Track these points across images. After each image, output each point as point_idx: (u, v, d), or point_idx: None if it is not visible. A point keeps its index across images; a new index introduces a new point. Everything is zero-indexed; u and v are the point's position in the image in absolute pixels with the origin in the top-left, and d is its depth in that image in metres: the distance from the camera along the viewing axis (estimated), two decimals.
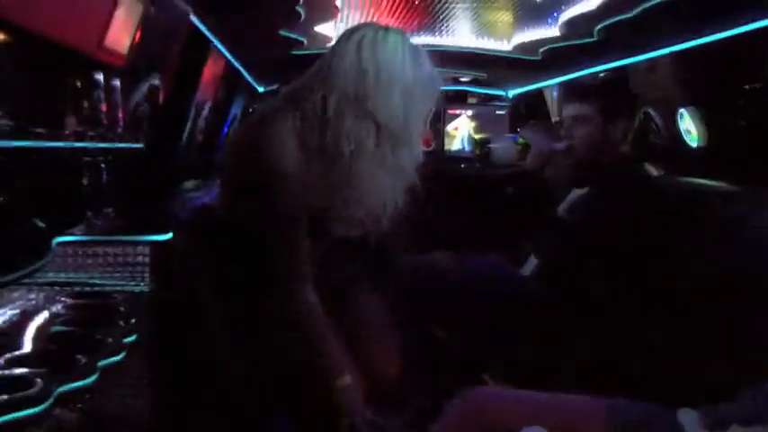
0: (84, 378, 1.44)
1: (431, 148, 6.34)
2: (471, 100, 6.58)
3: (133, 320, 1.80)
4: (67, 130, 1.80)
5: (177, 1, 2.38)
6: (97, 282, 2.12)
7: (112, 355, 1.57)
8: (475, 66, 5.49)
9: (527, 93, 6.02)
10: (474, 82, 6.24)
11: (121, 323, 1.75)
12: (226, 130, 5.01)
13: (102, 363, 1.52)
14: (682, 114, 3.51)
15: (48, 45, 1.72)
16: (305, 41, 4.13)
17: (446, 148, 6.41)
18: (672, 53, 3.34)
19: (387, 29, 2.20)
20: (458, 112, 6.42)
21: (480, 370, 2.77)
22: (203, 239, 2.56)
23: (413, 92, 2.17)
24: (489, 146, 2.60)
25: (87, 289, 2.10)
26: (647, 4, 2.81)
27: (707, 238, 2.60)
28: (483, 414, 1.92)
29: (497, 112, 6.41)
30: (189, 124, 3.55)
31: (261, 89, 6.16)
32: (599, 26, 3.33)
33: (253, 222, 2.15)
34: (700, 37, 3.04)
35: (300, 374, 2.42)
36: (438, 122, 6.37)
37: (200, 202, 2.83)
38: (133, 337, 1.71)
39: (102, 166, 2.05)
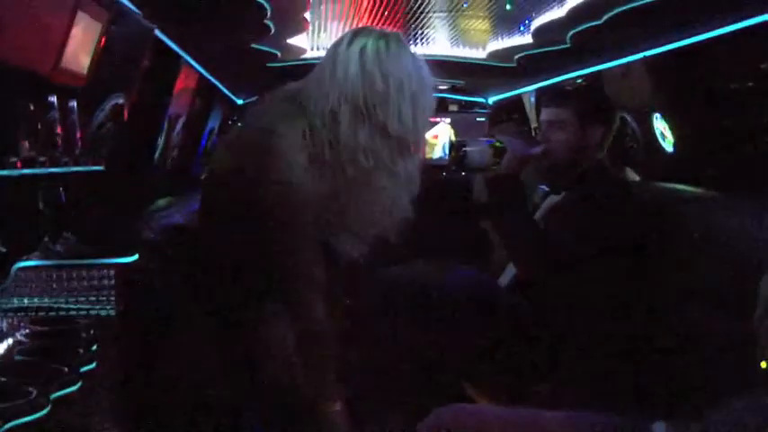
0: (34, 412, 1.41)
1: None
2: (452, 107, 6.54)
3: (94, 347, 1.76)
4: (21, 155, 1.77)
5: (140, 18, 2.34)
6: (63, 306, 2.07)
7: (67, 386, 1.53)
8: (452, 73, 5.48)
9: (506, 99, 6.01)
10: (452, 89, 6.22)
11: (81, 351, 1.71)
12: (203, 143, 4.96)
13: (54, 395, 1.48)
14: (656, 119, 3.50)
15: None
16: (279, 54, 4.11)
17: (427, 156, 6.38)
18: (644, 58, 3.34)
19: (386, 35, 2.14)
20: (437, 119, 6.40)
21: (460, 381, 2.74)
22: (182, 257, 2.55)
23: (418, 98, 2.12)
24: (464, 149, 2.55)
25: (53, 314, 2.05)
26: (616, 11, 2.80)
27: (682, 244, 2.58)
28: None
29: (477, 118, 6.40)
30: (161, 140, 3.52)
31: (240, 101, 6.13)
32: (570, 32, 3.32)
33: (263, 232, 2.10)
34: (670, 42, 3.04)
35: (293, 392, 2.40)
36: None
37: (170, 221, 2.79)
38: (93, 365, 1.67)
39: (61, 189, 2.01)
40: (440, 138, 6.40)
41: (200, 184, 2.43)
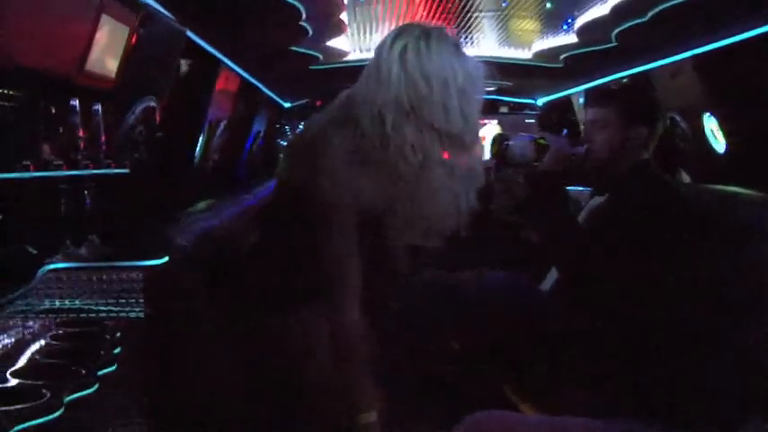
0: (47, 414, 1.40)
1: None
2: (503, 109, 6.47)
3: (116, 350, 1.76)
4: (39, 159, 1.77)
5: (170, 20, 2.34)
6: (93, 309, 2.08)
7: (83, 389, 1.52)
8: (500, 75, 5.41)
9: (555, 100, 5.92)
10: (501, 91, 6.15)
11: (102, 353, 1.71)
12: (248, 146, 4.98)
13: (69, 397, 1.48)
14: (707, 119, 3.39)
15: (21, 71, 1.70)
16: (320, 57, 4.10)
17: None
18: (693, 56, 3.23)
19: (427, 32, 2.10)
20: (485, 121, 6.33)
21: (502, 386, 2.69)
22: (216, 259, 2.56)
23: (465, 89, 2.07)
24: (507, 143, 2.50)
25: (83, 316, 2.06)
26: (661, 7, 2.71)
27: (730, 249, 2.50)
28: None
29: (527, 120, 6.32)
30: (201, 143, 3.53)
31: (287, 105, 6.14)
32: (616, 31, 3.23)
33: (310, 234, 2.11)
34: (719, 39, 2.93)
35: (327, 401, 2.39)
36: None
37: (207, 224, 2.79)
38: (112, 368, 1.67)
39: (85, 192, 2.01)
40: (488, 139, 6.32)
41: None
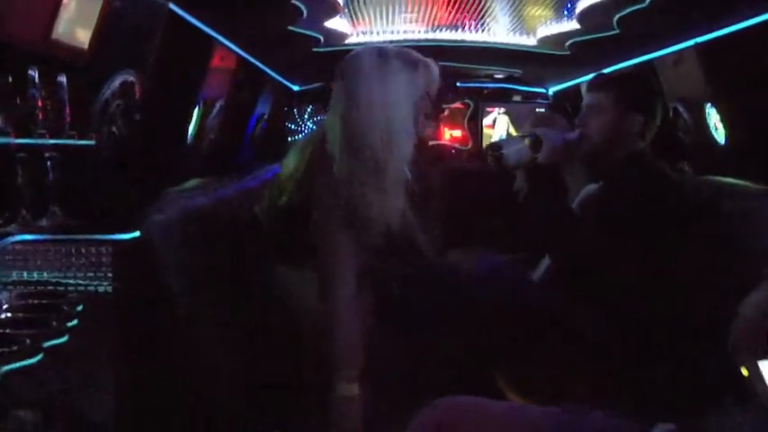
0: None
1: (468, 147, 6.23)
2: (516, 98, 6.39)
3: (71, 323, 1.73)
4: None
5: None
6: (61, 282, 2.07)
7: (23, 359, 1.50)
8: (508, 62, 5.35)
9: (565, 90, 5.84)
10: (510, 79, 6.07)
11: (54, 323, 1.68)
12: (250, 129, 4.94)
13: (6, 367, 1.45)
14: (708, 109, 3.32)
15: None
16: (321, 39, 4.05)
17: (484, 146, 6.24)
18: (697, 44, 3.15)
19: (367, 57, 2.39)
20: (493, 109, 6.25)
21: (491, 373, 2.68)
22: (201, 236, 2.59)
23: (394, 102, 2.36)
24: (501, 152, 2.46)
25: (51, 288, 2.04)
26: None
27: (724, 241, 2.45)
28: (447, 425, 1.83)
29: (537, 109, 6.23)
30: (195, 122, 3.50)
31: (295, 88, 6.09)
32: (616, 17, 3.16)
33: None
34: (721, 27, 2.86)
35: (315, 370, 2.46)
36: (474, 120, 6.25)
37: (192, 202, 2.78)
38: (63, 339, 1.64)
39: (48, 164, 2.00)
40: (496, 128, 6.24)
41: None
